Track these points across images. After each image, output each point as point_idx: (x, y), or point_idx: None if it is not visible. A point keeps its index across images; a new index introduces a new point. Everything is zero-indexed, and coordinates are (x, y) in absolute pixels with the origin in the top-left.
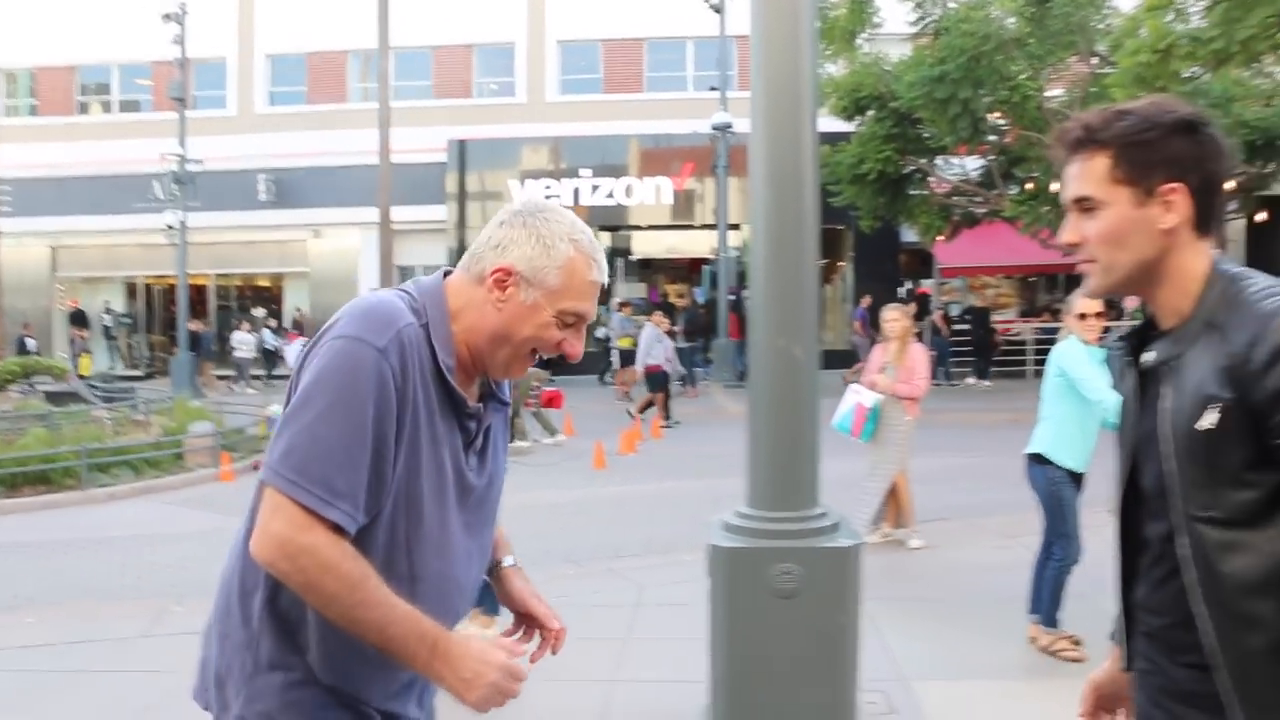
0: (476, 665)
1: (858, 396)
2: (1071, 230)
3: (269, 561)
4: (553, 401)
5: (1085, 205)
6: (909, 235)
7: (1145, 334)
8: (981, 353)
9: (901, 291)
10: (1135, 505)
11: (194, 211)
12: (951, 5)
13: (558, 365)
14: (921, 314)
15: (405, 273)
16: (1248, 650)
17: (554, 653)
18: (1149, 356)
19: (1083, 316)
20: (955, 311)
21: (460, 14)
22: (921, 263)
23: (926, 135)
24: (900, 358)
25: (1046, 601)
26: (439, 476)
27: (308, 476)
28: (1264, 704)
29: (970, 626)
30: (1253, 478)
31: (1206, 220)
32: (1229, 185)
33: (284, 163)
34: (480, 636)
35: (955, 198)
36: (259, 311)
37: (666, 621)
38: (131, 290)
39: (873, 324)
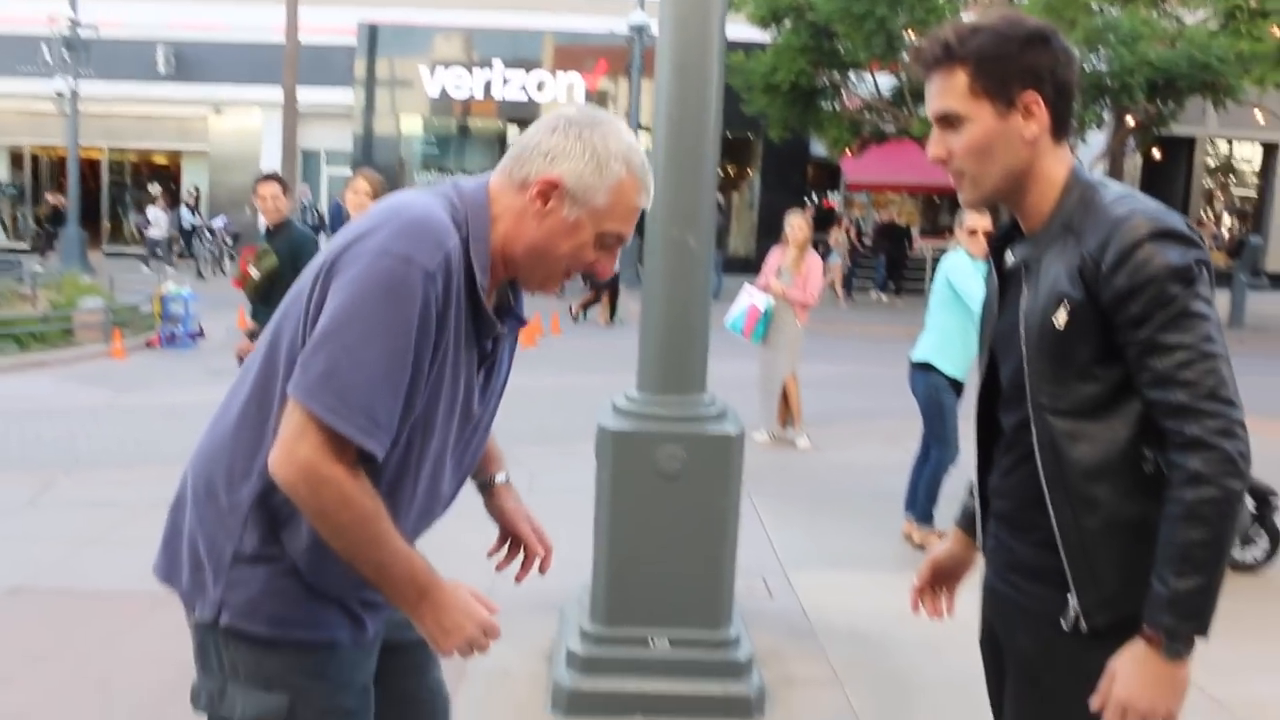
0: (459, 618)
1: (751, 298)
2: (937, 145)
3: (289, 484)
4: None
5: (949, 121)
6: (818, 149)
7: (1009, 237)
8: (894, 269)
9: (807, 203)
10: (993, 398)
11: (86, 80)
12: None
13: None
14: (824, 226)
15: (309, 157)
16: (1086, 528)
17: (541, 572)
18: (1011, 258)
19: (972, 232)
20: (868, 227)
21: None
22: (829, 176)
23: (841, 50)
24: (797, 264)
25: (922, 500)
26: (453, 400)
27: (349, 404)
28: (1097, 577)
29: (850, 522)
30: (1098, 372)
31: (1062, 126)
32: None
33: (185, 34)
34: (464, 588)
35: (866, 114)
36: (155, 189)
37: (557, 506)
38: (16, 159)
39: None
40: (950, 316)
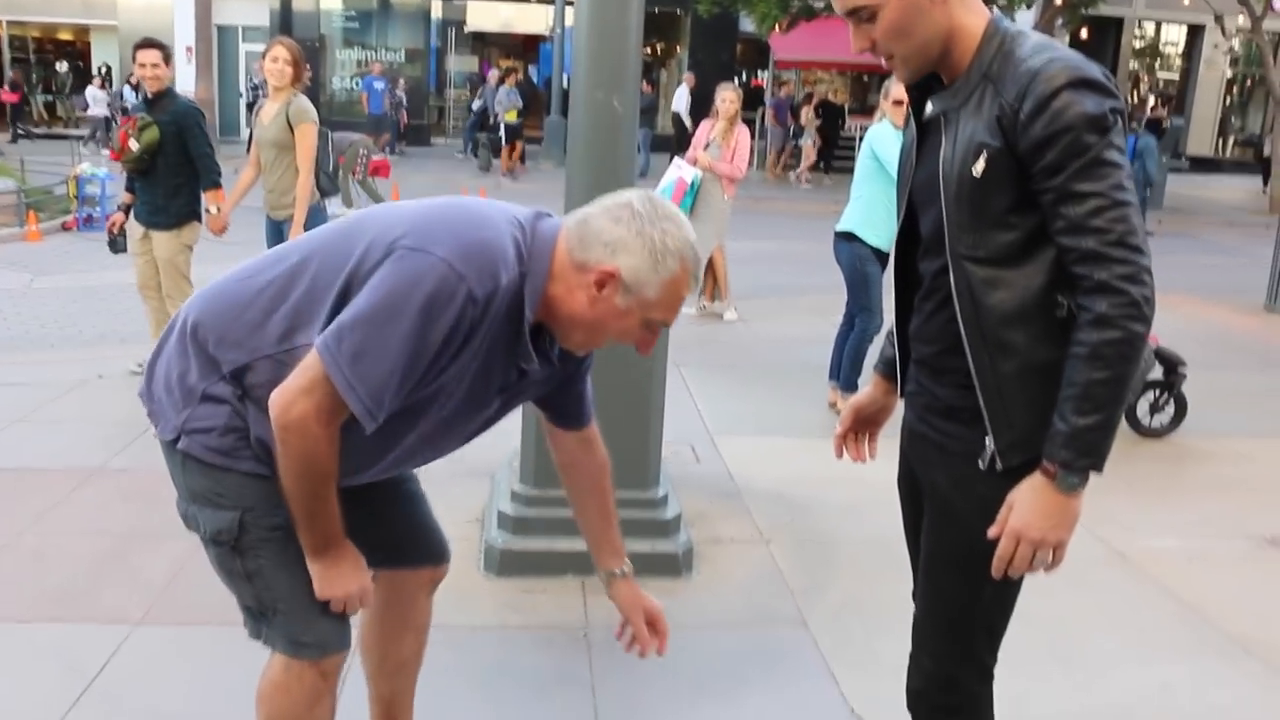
0: (344, 578)
1: (679, 171)
2: (858, 38)
3: (281, 423)
4: (379, 171)
5: (858, 15)
6: (747, 25)
7: (928, 88)
8: (827, 146)
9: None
10: (912, 247)
11: None
12: None
13: (413, 137)
14: (753, 105)
15: (224, 32)
16: (1002, 372)
17: (645, 654)
18: (930, 108)
19: (898, 102)
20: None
21: None
22: (758, 54)
23: None
24: (727, 137)
25: (846, 368)
26: (466, 397)
27: (366, 387)
28: (1010, 416)
29: (776, 391)
30: (1014, 220)
31: None
32: None
33: None
34: (357, 560)
35: None
36: (61, 66)
37: None
38: None
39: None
40: (874, 187)
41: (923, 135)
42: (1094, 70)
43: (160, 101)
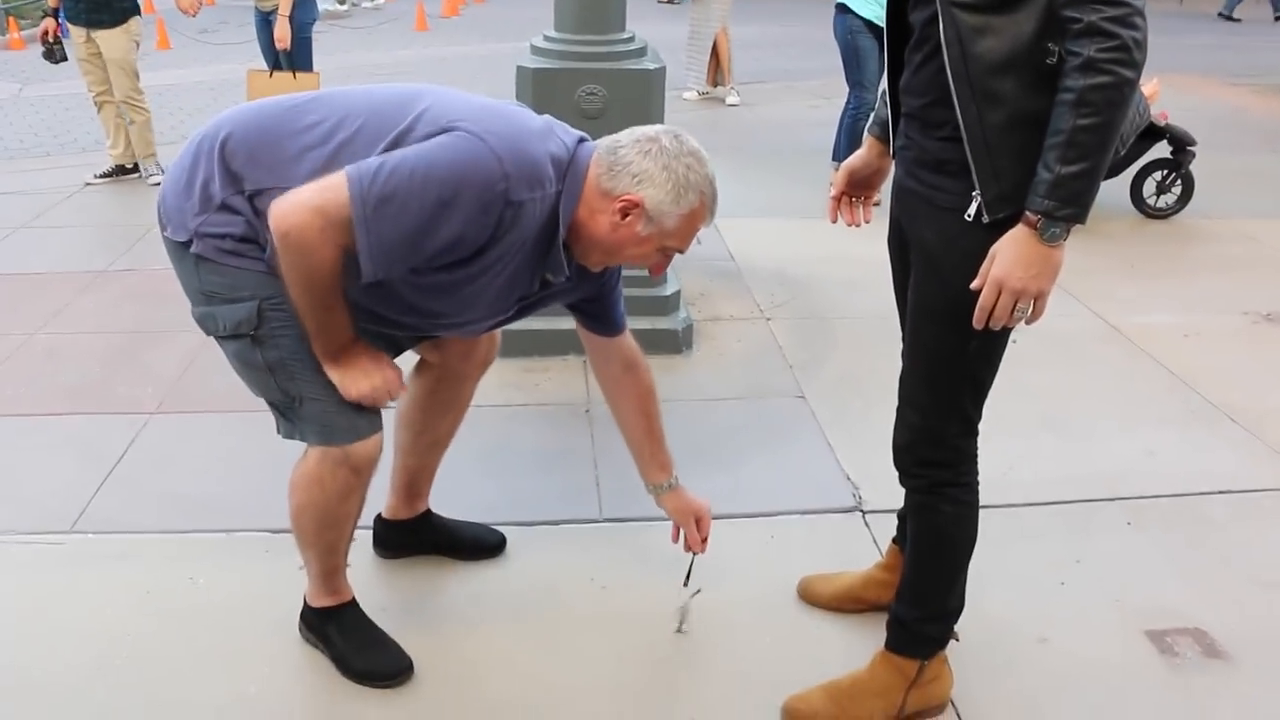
0: (363, 375)
1: None
2: None
3: (280, 230)
4: None
5: None
6: None
7: None
8: None
9: None
10: (902, 1)
11: None
12: None
13: None
14: None
15: None
16: (989, 123)
17: (699, 552)
18: None
19: None
20: None
21: None
22: None
23: None
24: None
25: (843, 146)
26: (489, 303)
27: (380, 235)
28: (997, 168)
29: (778, 173)
30: None
31: None
32: None
33: None
34: (376, 358)
35: None
36: None
37: None
38: None
39: None
40: None
41: None
42: None
43: None
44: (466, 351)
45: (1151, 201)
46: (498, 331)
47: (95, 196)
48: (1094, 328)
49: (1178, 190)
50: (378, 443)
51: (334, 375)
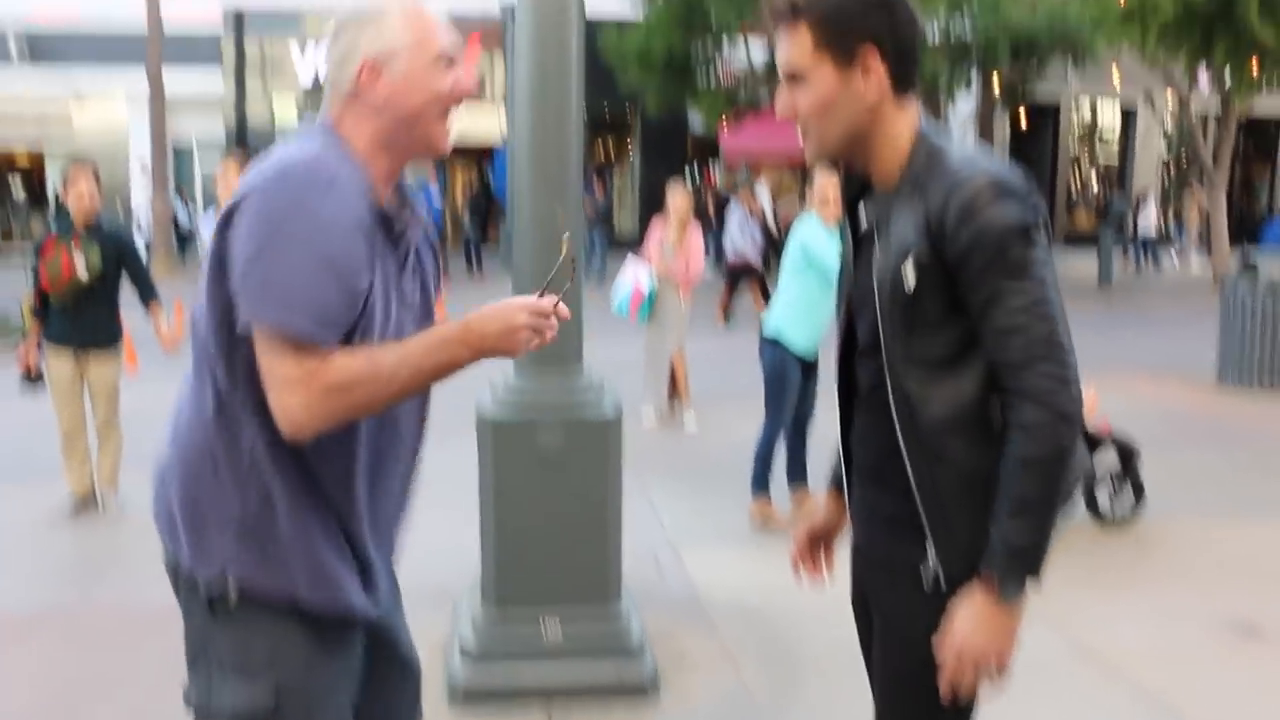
0: (503, 321)
1: (635, 277)
2: (784, 102)
3: (304, 432)
4: None
5: (794, 77)
6: (696, 123)
7: (860, 194)
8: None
9: (688, 177)
10: (852, 355)
11: None
12: None
13: None
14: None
15: (179, 150)
16: (941, 480)
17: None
18: (864, 216)
19: (825, 201)
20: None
21: None
22: (709, 151)
23: (713, 19)
24: (679, 240)
25: (757, 470)
26: (389, 304)
27: (301, 307)
28: (951, 527)
29: (739, 499)
30: (946, 328)
31: (905, 80)
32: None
33: (39, 24)
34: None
35: (740, 85)
36: (16, 185)
37: (445, 493)
38: None
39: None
40: (802, 285)
41: (858, 241)
42: (1016, 179)
43: (96, 227)
44: None
45: (1106, 510)
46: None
47: (50, 533)
48: (1062, 648)
49: (1130, 496)
50: None
51: (491, 346)
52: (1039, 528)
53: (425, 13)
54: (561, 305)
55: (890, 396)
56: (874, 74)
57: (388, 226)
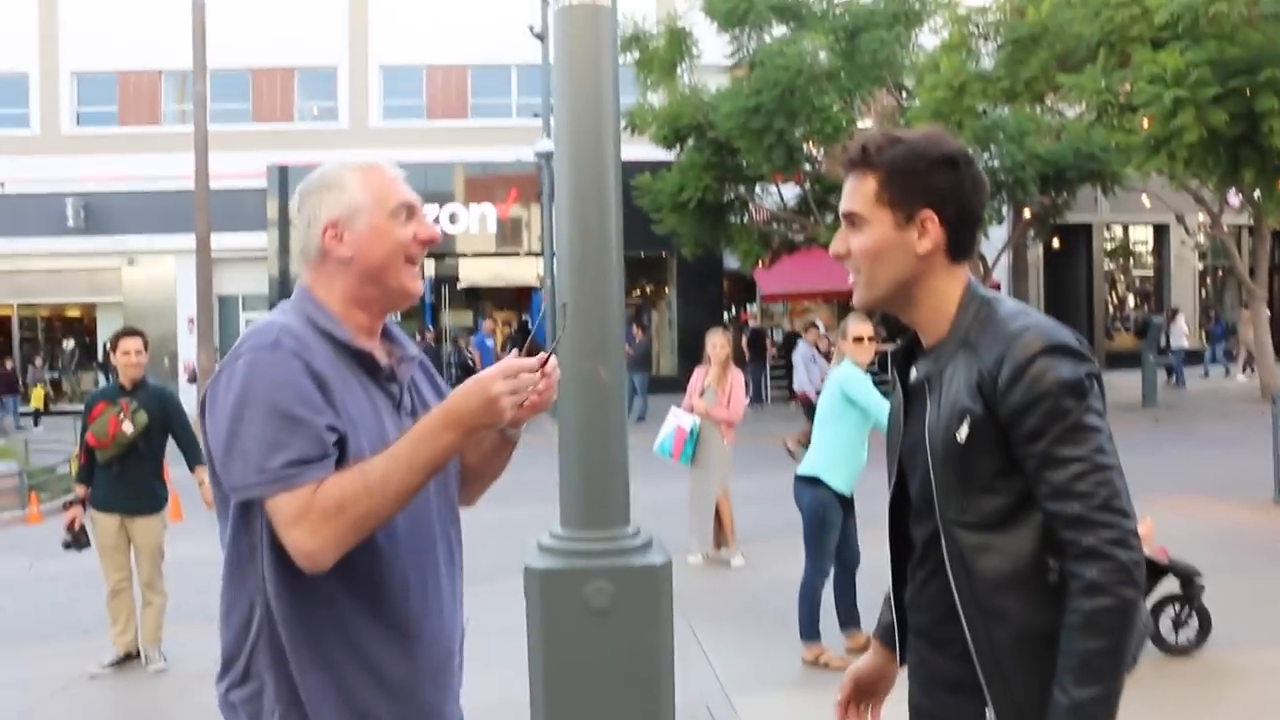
0: (480, 394)
1: (677, 420)
2: (840, 241)
3: (321, 563)
4: None
5: (853, 220)
6: (731, 262)
7: (911, 351)
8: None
9: (725, 317)
10: (904, 512)
11: None
12: (766, 39)
13: None
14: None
15: (225, 302)
16: (998, 640)
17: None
18: (915, 372)
19: (858, 339)
20: (778, 336)
21: (280, 36)
22: (745, 289)
23: (744, 164)
24: (720, 382)
25: (805, 618)
26: (382, 441)
27: (285, 454)
28: (1010, 688)
29: (790, 640)
30: (1000, 485)
31: (961, 247)
32: (983, 218)
33: (94, 186)
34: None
35: (774, 225)
36: (69, 344)
37: (491, 647)
38: None
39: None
40: (840, 428)
41: (909, 398)
42: (1068, 336)
43: (141, 388)
44: None
45: (1171, 639)
46: None
47: (91, 689)
48: None
49: (1195, 624)
50: None
51: (477, 421)
52: (1106, 690)
53: (380, 168)
54: (554, 360)
55: (945, 555)
56: (929, 235)
57: (370, 368)
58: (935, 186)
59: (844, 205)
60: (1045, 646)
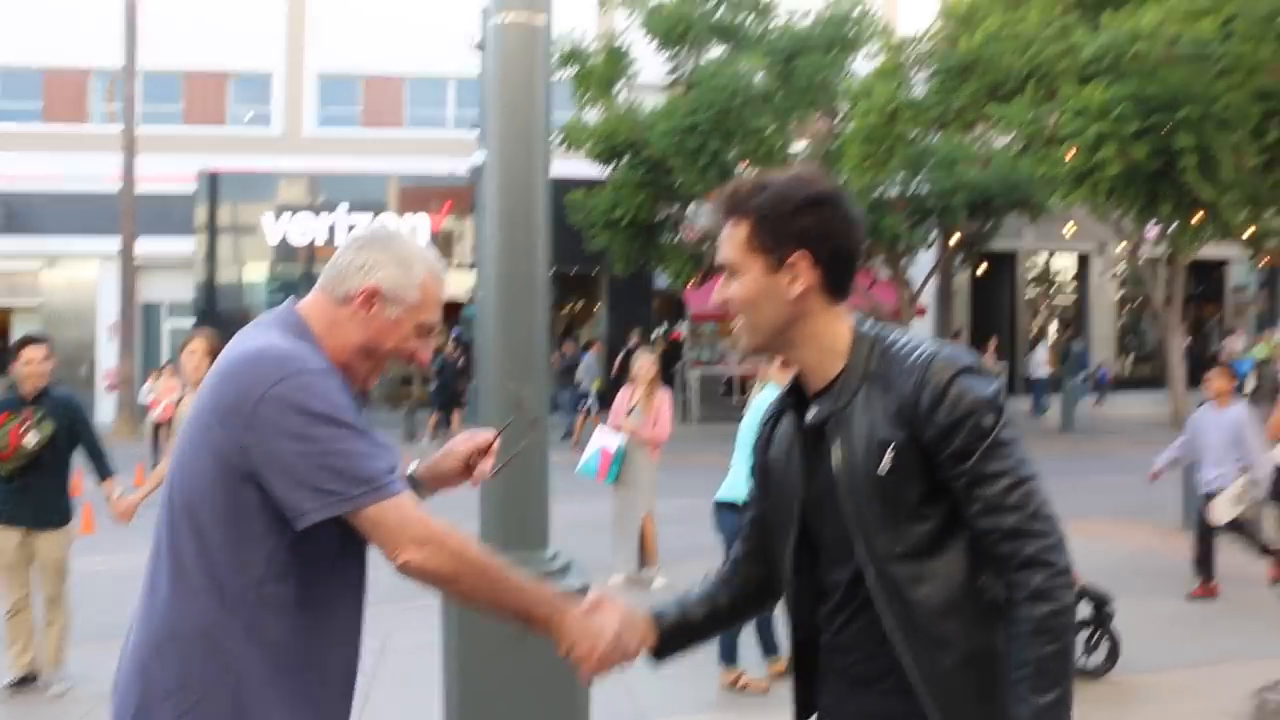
0: (588, 638)
1: (603, 441)
2: (720, 292)
3: (425, 572)
4: None
5: (730, 269)
6: (662, 281)
7: (799, 395)
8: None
9: (654, 336)
10: (810, 561)
11: None
12: (705, 60)
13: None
14: (674, 359)
15: (149, 310)
16: (943, 667)
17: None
18: (812, 415)
19: (785, 364)
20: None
21: (215, 40)
22: (675, 308)
23: (678, 183)
24: (648, 402)
25: (725, 642)
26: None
27: (376, 464)
28: (959, 711)
29: (710, 662)
30: (928, 511)
31: (838, 286)
32: (859, 255)
33: (13, 186)
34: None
35: (705, 245)
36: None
37: (410, 666)
38: None
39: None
40: None
41: (806, 442)
42: (970, 357)
43: (44, 396)
44: None
45: (1080, 663)
46: None
47: None
48: None
49: (1105, 648)
50: None
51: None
52: (1063, 693)
53: (440, 282)
54: (495, 445)
55: (878, 591)
56: (802, 279)
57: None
58: (804, 228)
59: (719, 255)
60: (988, 666)
